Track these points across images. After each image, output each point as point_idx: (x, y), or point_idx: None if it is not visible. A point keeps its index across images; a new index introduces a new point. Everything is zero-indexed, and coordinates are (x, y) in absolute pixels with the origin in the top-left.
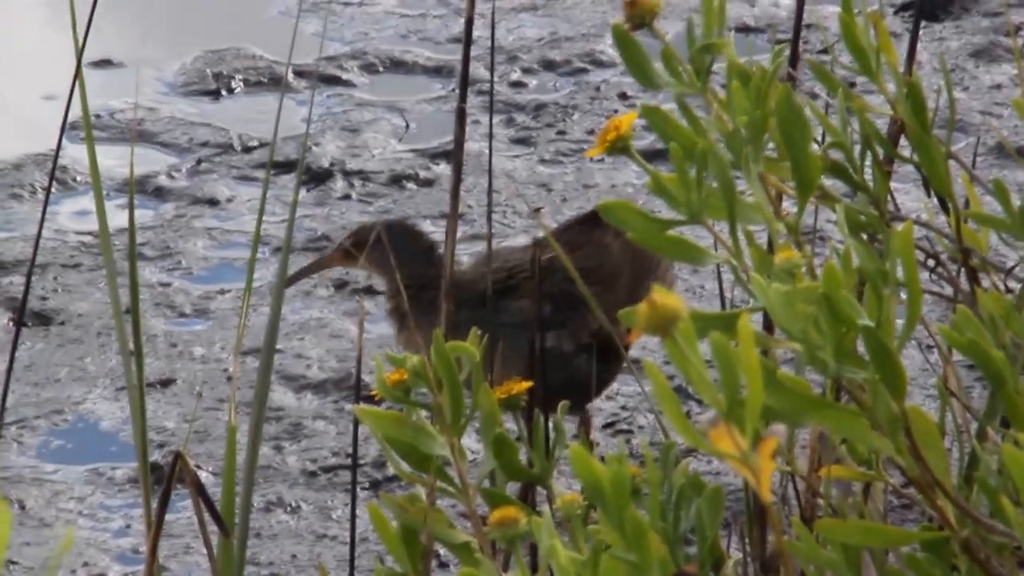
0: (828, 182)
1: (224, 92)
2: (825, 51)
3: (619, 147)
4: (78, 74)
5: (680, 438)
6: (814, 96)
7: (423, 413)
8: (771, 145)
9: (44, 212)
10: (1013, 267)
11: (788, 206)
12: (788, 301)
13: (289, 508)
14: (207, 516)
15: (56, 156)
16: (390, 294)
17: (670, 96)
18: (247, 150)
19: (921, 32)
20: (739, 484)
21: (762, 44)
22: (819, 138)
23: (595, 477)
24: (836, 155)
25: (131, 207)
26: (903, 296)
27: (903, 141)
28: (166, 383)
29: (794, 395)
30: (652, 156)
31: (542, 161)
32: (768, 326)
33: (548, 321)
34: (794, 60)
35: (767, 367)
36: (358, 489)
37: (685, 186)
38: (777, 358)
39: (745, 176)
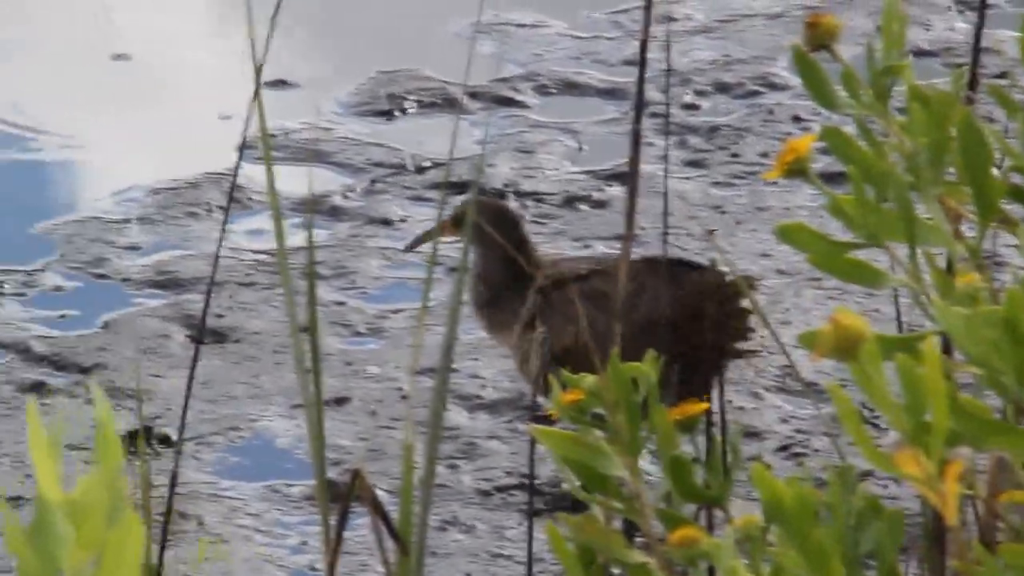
0: (1007, 206)
1: (397, 113)
2: (1003, 75)
3: (797, 169)
4: (256, 94)
5: (858, 461)
6: (991, 120)
7: (598, 433)
8: (949, 169)
9: (223, 231)
10: None
11: (965, 230)
12: (970, 325)
13: (464, 527)
14: (384, 534)
15: (235, 176)
16: (483, 277)
17: (843, 119)
18: (420, 171)
19: None
20: (916, 508)
21: (937, 68)
22: (996, 162)
23: (777, 497)
24: (1016, 179)
25: (309, 226)
26: None
27: None
28: (341, 401)
29: (976, 419)
30: (825, 179)
31: (715, 183)
32: (946, 349)
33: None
34: (972, 83)
35: (950, 390)
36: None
37: (863, 208)
38: (956, 381)
39: (924, 198)
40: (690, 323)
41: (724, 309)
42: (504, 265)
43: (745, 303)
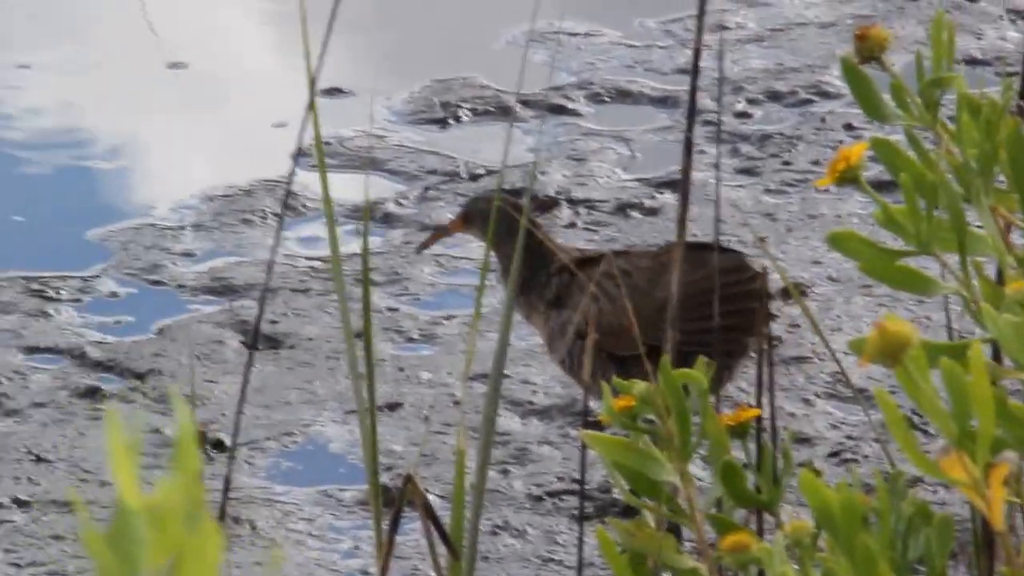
0: None
1: (451, 121)
2: None
3: (849, 177)
4: (311, 102)
5: (908, 467)
6: None
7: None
8: (1000, 177)
9: (277, 238)
10: None
11: (1016, 238)
12: (1019, 332)
13: (515, 532)
14: (436, 538)
15: (289, 183)
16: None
17: (896, 128)
18: (474, 178)
19: None
20: (965, 514)
21: (989, 77)
22: None
23: (825, 503)
24: None
25: (365, 233)
26: None
27: None
28: (393, 407)
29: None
30: (877, 187)
31: (767, 191)
32: (996, 356)
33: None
34: (1023, 92)
35: (997, 396)
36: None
37: (914, 217)
38: (1006, 388)
39: (976, 208)
40: (706, 303)
41: (740, 290)
42: (524, 254)
43: (763, 285)
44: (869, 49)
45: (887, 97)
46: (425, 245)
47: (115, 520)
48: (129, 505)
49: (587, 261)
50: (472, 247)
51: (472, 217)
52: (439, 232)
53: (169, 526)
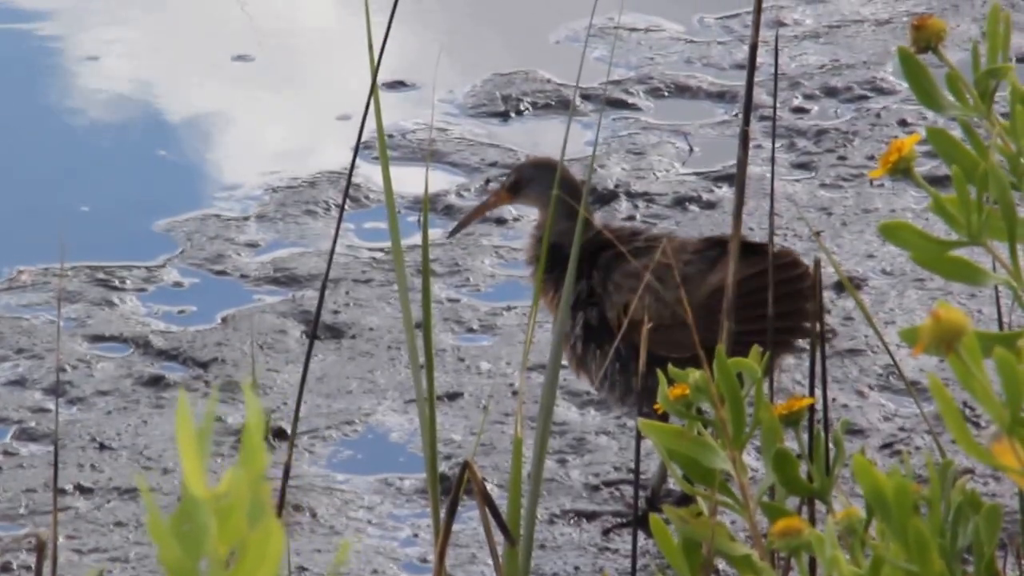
0: None
1: (513, 114)
2: None
3: (901, 168)
4: (373, 94)
5: (959, 459)
6: None
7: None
8: None
9: (338, 229)
10: None
11: None
12: None
13: (572, 520)
14: (494, 526)
15: (350, 174)
16: (536, 231)
17: (948, 124)
18: None
19: None
20: (1015, 506)
21: None
22: None
23: (878, 488)
24: None
25: (425, 225)
26: None
27: None
28: (453, 396)
29: None
30: (930, 182)
31: (823, 185)
32: None
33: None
34: None
35: None
36: (639, 503)
37: (966, 207)
38: None
39: None
40: (756, 302)
41: (790, 289)
42: (566, 222)
43: (814, 283)
44: (926, 39)
45: (943, 90)
46: (463, 224)
47: (180, 508)
48: (195, 494)
49: (633, 252)
50: None
51: (522, 184)
52: (482, 208)
53: (233, 518)
